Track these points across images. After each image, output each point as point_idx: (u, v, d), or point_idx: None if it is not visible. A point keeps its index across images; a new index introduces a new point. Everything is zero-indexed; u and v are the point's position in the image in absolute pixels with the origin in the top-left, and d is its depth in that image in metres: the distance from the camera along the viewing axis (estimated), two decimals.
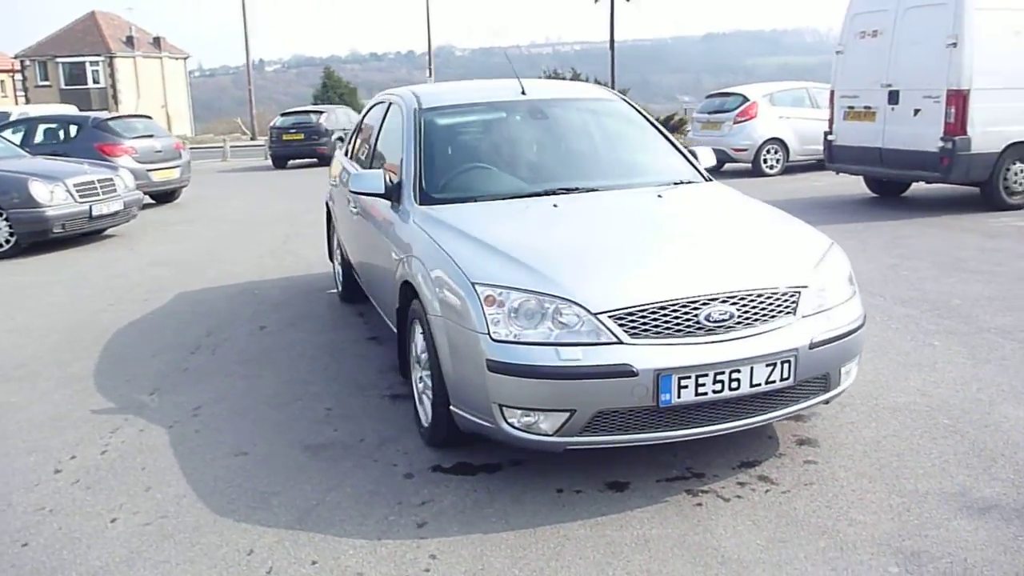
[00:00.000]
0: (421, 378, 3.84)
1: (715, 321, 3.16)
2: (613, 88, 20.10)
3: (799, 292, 3.34)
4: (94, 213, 9.72)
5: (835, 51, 11.00)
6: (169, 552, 3.02)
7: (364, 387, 4.65)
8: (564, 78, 23.91)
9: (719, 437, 3.35)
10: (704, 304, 3.17)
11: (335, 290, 6.89)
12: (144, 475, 3.66)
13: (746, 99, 15.03)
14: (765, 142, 14.71)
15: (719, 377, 3.11)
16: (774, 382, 3.20)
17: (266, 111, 50.68)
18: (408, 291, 3.89)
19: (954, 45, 9.20)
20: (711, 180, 4.61)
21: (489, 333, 3.16)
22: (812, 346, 3.26)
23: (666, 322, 3.13)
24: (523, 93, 4.93)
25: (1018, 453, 3.50)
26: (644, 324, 3.12)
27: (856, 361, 3.56)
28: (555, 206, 4.02)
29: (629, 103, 5.14)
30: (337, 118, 23.28)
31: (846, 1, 10.84)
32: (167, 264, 8.59)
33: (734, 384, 3.13)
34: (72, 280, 8.01)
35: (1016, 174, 9.63)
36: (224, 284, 7.52)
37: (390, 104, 5.29)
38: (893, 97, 10.03)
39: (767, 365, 3.16)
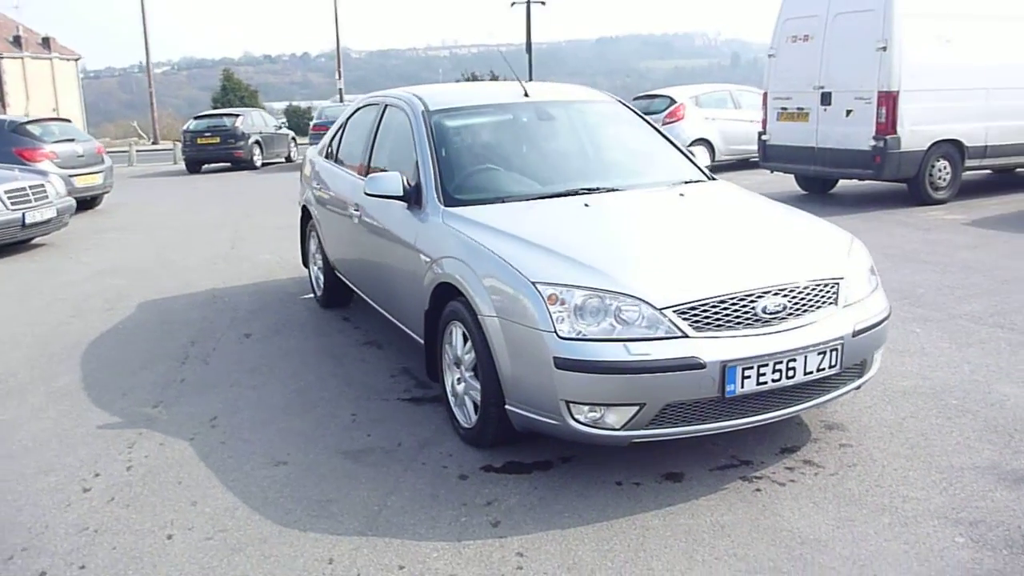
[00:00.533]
0: (460, 379, 3.84)
1: (770, 313, 3.29)
2: None
3: (838, 283, 3.52)
4: (27, 221, 9.22)
5: (767, 55, 11.45)
6: (244, 566, 2.93)
7: (380, 392, 4.60)
8: (483, 79, 24.00)
9: (757, 427, 3.48)
10: (759, 297, 3.30)
11: (310, 295, 6.77)
12: (184, 489, 3.53)
13: (673, 101, 15.46)
14: (693, 142, 15.14)
15: (777, 367, 3.24)
16: (824, 369, 3.35)
17: (161, 114, 48.91)
18: (443, 293, 3.88)
19: (884, 49, 9.72)
20: (715, 178, 4.77)
21: (555, 331, 3.20)
22: (854, 334, 3.43)
23: (727, 315, 3.24)
24: (526, 95, 4.98)
25: None
26: (707, 318, 3.22)
27: (882, 348, 3.76)
28: (586, 205, 4.08)
29: (627, 105, 5.25)
30: (253, 121, 22.72)
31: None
32: (118, 273, 8.23)
33: (790, 373, 3.27)
34: (19, 291, 7.58)
35: (940, 170, 10.25)
36: (187, 292, 7.27)
37: (386, 106, 5.24)
38: (826, 99, 10.51)
39: (819, 353, 3.32)
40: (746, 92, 16.14)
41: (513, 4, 23.93)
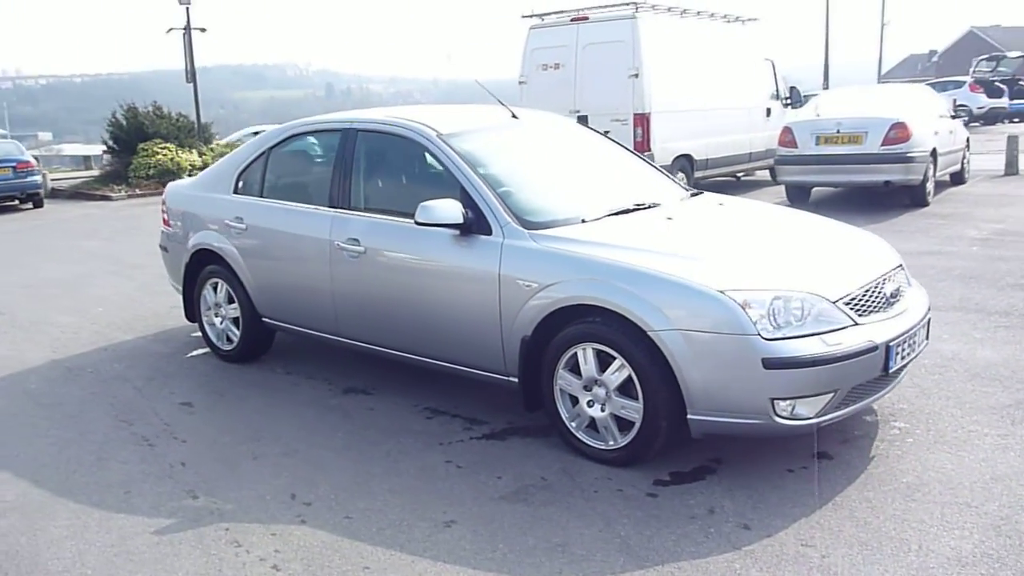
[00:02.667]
0: (594, 402, 3.80)
1: (891, 297, 3.80)
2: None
3: (903, 267, 4.15)
4: None
5: (519, 82, 12.22)
6: None
7: (440, 435, 4.29)
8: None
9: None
10: (883, 283, 3.79)
11: (200, 351, 5.92)
12: (365, 571, 3.05)
13: None
14: None
15: (909, 342, 3.75)
16: (923, 343, 3.95)
17: None
18: (560, 317, 3.80)
19: (636, 76, 10.99)
20: (701, 192, 5.16)
21: (759, 334, 3.37)
22: (928, 310, 4.08)
23: (873, 301, 3.68)
24: (514, 117, 4.98)
25: None
26: (862, 306, 3.63)
27: None
28: (670, 218, 4.26)
29: (590, 128, 5.48)
30: None
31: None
32: None
33: (913, 346, 3.81)
34: None
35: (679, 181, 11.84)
36: (66, 356, 5.96)
37: (355, 132, 4.83)
38: (582, 121, 11.50)
39: (922, 328, 3.90)
40: None
41: (169, 31, 22.17)
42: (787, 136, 11.05)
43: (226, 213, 5.47)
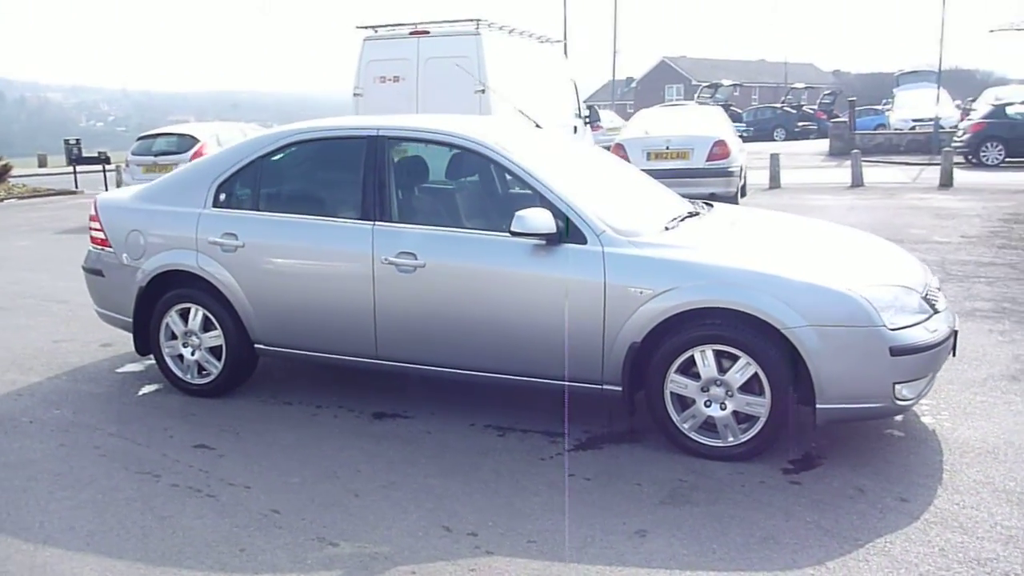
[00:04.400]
0: (711, 402, 3.95)
1: (936, 291, 4.36)
2: None
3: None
4: None
5: (353, 93, 11.87)
6: None
7: (542, 450, 4.18)
8: None
9: None
10: (929, 282, 4.35)
11: (151, 387, 5.19)
12: None
13: (196, 139, 14.48)
14: None
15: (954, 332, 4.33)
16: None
17: None
18: (673, 322, 3.91)
19: (482, 92, 11.16)
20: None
21: (887, 325, 3.74)
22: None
23: (931, 294, 4.20)
24: (538, 127, 4.98)
25: None
26: (929, 300, 4.13)
27: None
28: (733, 224, 4.50)
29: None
30: None
31: None
32: None
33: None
34: None
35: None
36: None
37: (384, 139, 4.55)
38: None
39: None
40: (252, 129, 16.05)
41: None
42: (620, 152, 11.82)
43: (208, 230, 4.84)
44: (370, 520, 3.53)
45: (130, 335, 5.19)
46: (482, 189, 4.59)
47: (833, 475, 3.82)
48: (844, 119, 25.54)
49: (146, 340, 5.15)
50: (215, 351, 4.98)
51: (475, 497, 3.71)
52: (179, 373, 5.10)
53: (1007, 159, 19.16)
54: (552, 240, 4.12)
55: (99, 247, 5.28)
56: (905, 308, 3.87)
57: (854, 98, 25.78)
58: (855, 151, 17.14)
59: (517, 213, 4.07)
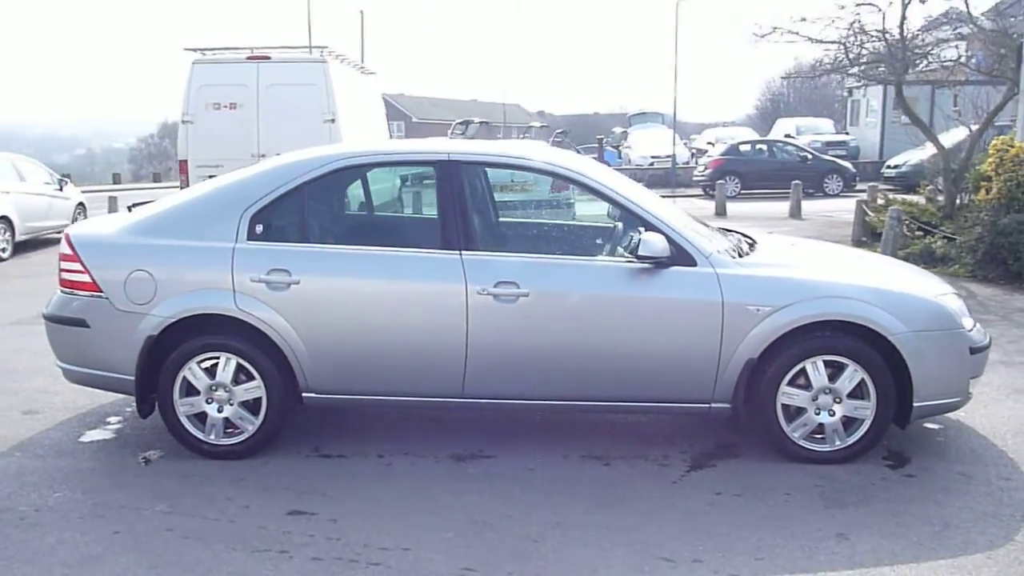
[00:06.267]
0: (821, 409, 4.21)
1: None
2: None
3: None
4: None
5: (182, 120, 10.81)
6: None
7: (666, 474, 4.17)
8: None
9: None
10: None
11: (148, 454, 4.43)
12: None
13: None
14: None
15: None
16: None
17: None
18: (793, 335, 4.15)
19: (332, 121, 10.71)
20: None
21: (965, 328, 4.27)
22: None
23: None
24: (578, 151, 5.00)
25: None
26: None
27: None
28: (793, 245, 4.83)
29: None
30: None
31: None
32: None
33: None
34: None
35: None
36: None
37: (452, 164, 4.32)
38: None
39: None
40: (26, 162, 13.94)
41: None
42: None
43: (248, 266, 4.24)
44: (576, 563, 3.33)
45: (62, 396, 4.41)
46: (565, 216, 4.52)
47: (931, 466, 4.24)
48: (595, 156, 27.67)
49: (146, 401, 4.37)
50: (250, 405, 4.35)
51: (658, 524, 3.64)
52: (198, 434, 4.38)
53: (742, 191, 21.88)
54: (663, 263, 4.17)
55: (79, 292, 4.40)
56: (965, 312, 4.43)
57: (602, 136, 28.05)
58: None
59: (642, 237, 4.08)
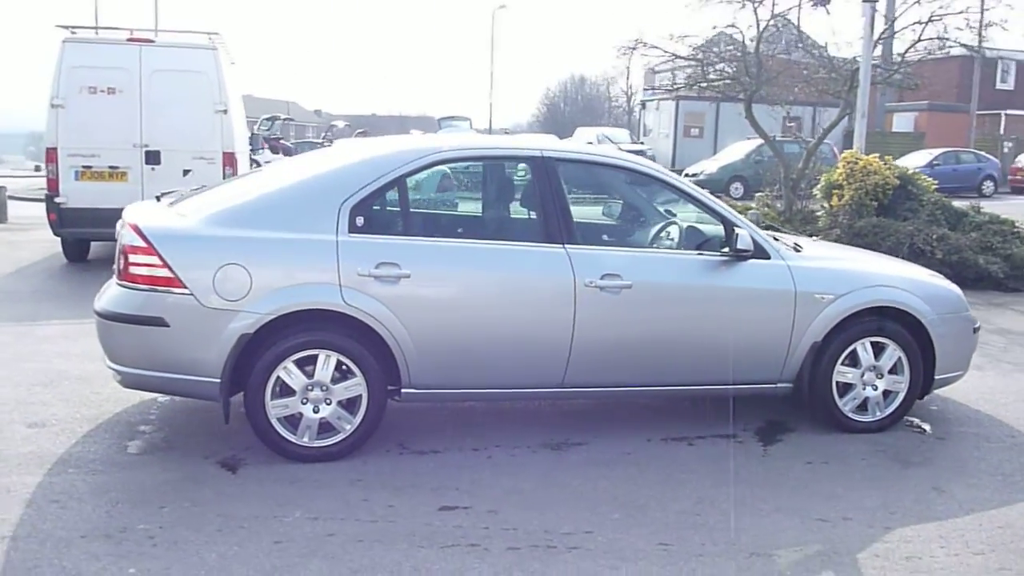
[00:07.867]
0: (866, 385, 4.79)
1: None
2: None
3: None
4: None
5: (51, 104, 9.69)
6: None
7: (748, 451, 4.53)
8: None
9: None
10: None
11: (242, 455, 4.16)
12: None
13: None
14: None
15: None
16: None
17: None
18: (847, 320, 4.69)
19: (224, 112, 10.10)
20: None
21: (969, 310, 5.04)
22: None
23: None
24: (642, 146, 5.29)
25: None
26: None
27: None
28: (827, 244, 5.38)
29: None
30: None
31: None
32: None
33: None
34: None
35: None
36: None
37: (547, 160, 4.44)
38: (152, 157, 9.96)
39: None
40: None
41: None
42: None
43: (355, 259, 4.09)
44: (753, 530, 3.61)
45: (54, 408, 4.11)
46: (643, 210, 4.76)
47: (950, 431, 4.94)
48: None
49: (227, 404, 4.11)
50: (347, 404, 4.21)
51: (786, 492, 4.01)
52: (291, 437, 4.16)
53: None
54: (744, 257, 4.56)
55: (155, 287, 4.02)
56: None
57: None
58: None
59: (738, 232, 4.44)
